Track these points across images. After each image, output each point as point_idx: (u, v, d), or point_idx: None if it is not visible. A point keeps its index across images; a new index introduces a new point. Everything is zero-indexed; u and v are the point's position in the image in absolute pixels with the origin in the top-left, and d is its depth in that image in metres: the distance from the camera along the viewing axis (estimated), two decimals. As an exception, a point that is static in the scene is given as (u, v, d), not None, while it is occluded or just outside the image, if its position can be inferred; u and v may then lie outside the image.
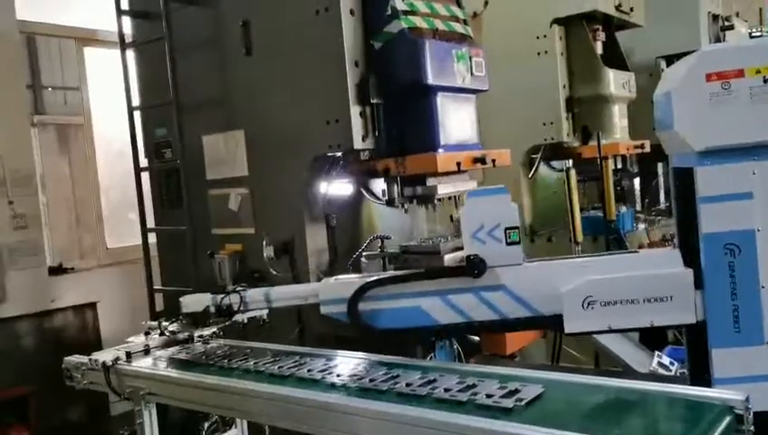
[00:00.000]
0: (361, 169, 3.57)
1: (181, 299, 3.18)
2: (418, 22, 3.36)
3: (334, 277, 2.92)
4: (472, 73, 3.49)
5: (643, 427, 1.92)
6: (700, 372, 2.35)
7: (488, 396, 1.95)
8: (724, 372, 2.25)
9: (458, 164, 3.32)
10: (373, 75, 3.35)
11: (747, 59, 2.18)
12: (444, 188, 3.46)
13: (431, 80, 3.29)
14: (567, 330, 2.42)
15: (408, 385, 2.13)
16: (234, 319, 3.03)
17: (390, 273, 3.08)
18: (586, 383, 2.14)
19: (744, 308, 2.19)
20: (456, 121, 3.48)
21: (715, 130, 2.21)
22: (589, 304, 2.40)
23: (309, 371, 2.45)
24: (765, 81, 2.14)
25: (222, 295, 3.02)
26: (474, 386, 2.05)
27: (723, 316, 2.23)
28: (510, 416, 1.83)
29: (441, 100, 3.39)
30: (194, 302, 3.13)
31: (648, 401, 2.00)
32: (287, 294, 3.00)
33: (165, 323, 3.13)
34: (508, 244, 2.51)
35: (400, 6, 3.33)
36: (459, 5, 3.69)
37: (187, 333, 3.10)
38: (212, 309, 3.02)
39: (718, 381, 2.26)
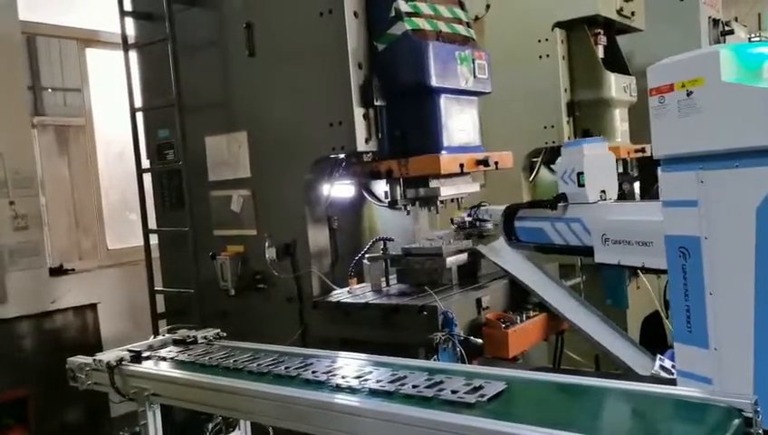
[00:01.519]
0: (364, 170, 3.57)
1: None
2: (422, 24, 3.37)
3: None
4: (475, 75, 3.51)
5: (602, 425, 1.96)
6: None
7: (453, 392, 2.02)
8: (682, 366, 2.38)
9: (461, 166, 3.33)
10: (376, 77, 3.37)
11: (676, 74, 2.24)
12: (447, 190, 3.47)
13: (434, 82, 3.30)
14: (596, 259, 2.98)
15: (378, 382, 2.19)
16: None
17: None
18: (548, 381, 2.22)
19: (693, 310, 2.29)
20: (459, 123, 3.49)
21: (657, 142, 2.35)
22: (605, 240, 2.93)
23: (300, 370, 2.45)
24: (689, 94, 2.20)
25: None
26: (441, 383, 2.12)
27: (679, 313, 2.35)
28: (472, 410, 1.90)
29: (444, 102, 3.40)
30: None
31: (616, 399, 2.04)
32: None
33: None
34: (579, 185, 3.15)
35: (404, 8, 3.34)
36: (462, 8, 3.70)
37: (191, 334, 3.10)
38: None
39: (679, 373, 2.39)
